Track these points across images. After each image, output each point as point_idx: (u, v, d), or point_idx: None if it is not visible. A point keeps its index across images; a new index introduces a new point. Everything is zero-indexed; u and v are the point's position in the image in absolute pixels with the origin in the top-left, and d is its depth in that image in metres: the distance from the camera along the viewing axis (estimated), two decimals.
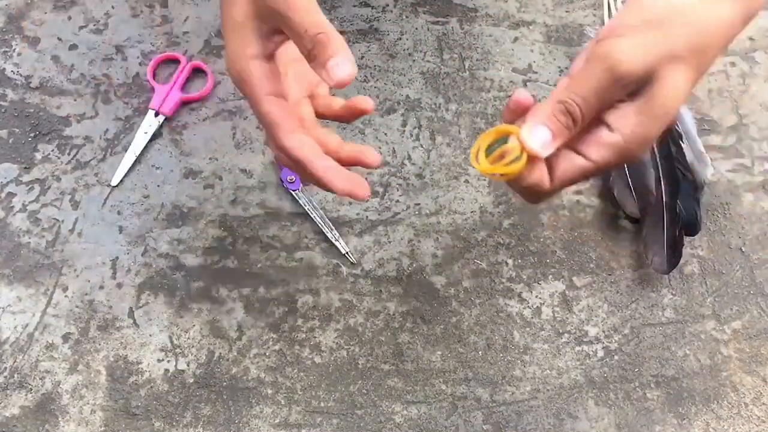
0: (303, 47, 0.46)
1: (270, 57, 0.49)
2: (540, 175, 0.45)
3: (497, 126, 0.45)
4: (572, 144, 0.45)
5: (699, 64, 0.43)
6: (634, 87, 0.42)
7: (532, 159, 0.44)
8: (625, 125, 0.43)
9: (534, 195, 0.47)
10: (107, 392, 0.60)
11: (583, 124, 0.44)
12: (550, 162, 0.45)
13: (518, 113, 0.46)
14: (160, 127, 0.69)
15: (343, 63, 0.45)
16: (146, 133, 0.68)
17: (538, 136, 0.44)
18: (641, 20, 0.42)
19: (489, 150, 0.45)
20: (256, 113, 0.49)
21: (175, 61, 0.71)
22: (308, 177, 0.48)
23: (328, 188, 0.47)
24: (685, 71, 0.42)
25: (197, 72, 0.71)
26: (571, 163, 0.45)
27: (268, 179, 0.67)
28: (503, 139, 0.45)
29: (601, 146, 0.44)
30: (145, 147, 0.68)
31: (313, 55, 0.46)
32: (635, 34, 0.42)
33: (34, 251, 0.64)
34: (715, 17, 0.42)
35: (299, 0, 0.45)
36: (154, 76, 0.71)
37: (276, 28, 0.48)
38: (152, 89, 0.70)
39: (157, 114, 0.69)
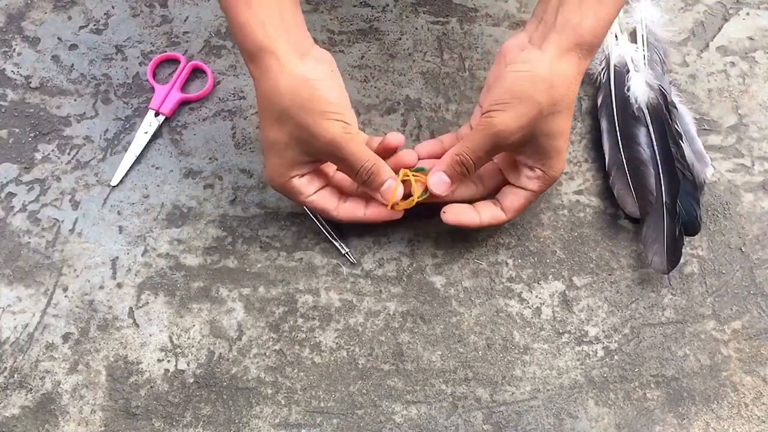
0: (358, 178, 0.58)
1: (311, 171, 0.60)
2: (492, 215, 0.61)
3: (403, 170, 0.60)
4: (514, 182, 0.61)
5: (564, 107, 0.56)
6: (518, 144, 0.57)
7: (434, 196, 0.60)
8: (539, 164, 0.59)
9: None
10: (107, 392, 0.60)
11: (475, 171, 0.59)
12: (500, 201, 0.61)
13: (386, 154, 0.61)
14: (160, 127, 0.69)
15: (392, 185, 0.59)
16: (146, 133, 0.68)
17: (436, 180, 0.59)
18: (511, 96, 0.55)
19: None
20: (305, 207, 0.63)
21: (175, 61, 0.71)
22: (362, 223, 0.62)
23: (376, 223, 0.62)
24: (556, 118, 0.56)
25: (197, 72, 0.71)
26: (517, 196, 0.60)
27: None
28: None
29: (533, 179, 0.59)
30: (145, 147, 0.68)
31: (368, 182, 0.59)
32: (507, 108, 0.55)
33: (34, 251, 0.64)
34: (563, 73, 0.56)
35: (354, 143, 0.57)
36: (154, 76, 0.71)
37: (322, 160, 0.59)
38: (152, 89, 0.70)
39: (157, 114, 0.69)
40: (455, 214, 0.61)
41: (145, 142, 0.68)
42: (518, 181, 0.60)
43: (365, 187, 0.60)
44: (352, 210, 0.61)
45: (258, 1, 0.55)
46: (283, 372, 0.61)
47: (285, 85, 0.55)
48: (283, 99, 0.55)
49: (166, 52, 0.72)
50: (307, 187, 0.59)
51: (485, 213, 0.61)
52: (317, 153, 0.57)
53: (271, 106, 0.56)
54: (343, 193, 0.63)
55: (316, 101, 0.55)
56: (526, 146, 0.57)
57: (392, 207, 0.60)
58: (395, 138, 0.61)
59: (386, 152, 0.61)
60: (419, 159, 0.63)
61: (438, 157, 0.62)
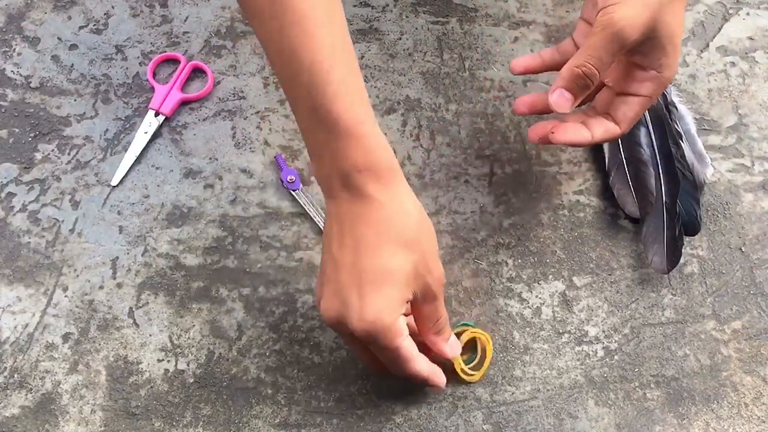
0: (436, 326, 0.55)
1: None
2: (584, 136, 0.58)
3: (464, 335, 0.60)
4: (624, 90, 0.57)
5: None
6: (640, 40, 0.52)
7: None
8: (655, 64, 0.55)
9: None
10: (107, 392, 0.60)
11: (599, 80, 0.54)
12: (611, 114, 0.58)
13: (531, 70, 0.62)
14: (160, 127, 0.69)
15: (456, 344, 0.57)
16: (146, 133, 0.68)
17: (557, 97, 0.55)
18: None
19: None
20: (389, 353, 0.52)
21: (175, 61, 0.71)
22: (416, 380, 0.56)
23: (429, 384, 0.56)
24: (674, 6, 0.52)
25: (197, 72, 0.71)
26: (630, 105, 0.57)
27: (268, 179, 0.67)
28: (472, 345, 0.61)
29: (647, 82, 0.56)
30: (145, 147, 0.68)
31: (441, 331, 0.56)
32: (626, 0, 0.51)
33: (34, 251, 0.64)
34: None
35: (442, 291, 0.54)
36: (154, 76, 0.71)
37: (417, 300, 0.53)
38: (152, 89, 0.70)
39: (157, 114, 0.69)
40: (565, 133, 0.57)
41: (145, 142, 0.68)
42: (630, 87, 0.56)
43: (437, 336, 0.56)
44: (426, 365, 0.55)
45: (373, 119, 0.51)
46: (283, 372, 0.61)
47: (413, 212, 0.52)
48: (413, 225, 0.52)
49: (166, 52, 0.72)
50: (404, 328, 0.52)
51: (597, 129, 0.58)
52: (422, 289, 0.52)
53: (399, 230, 0.51)
54: None
55: (433, 234, 0.53)
56: (644, 44, 0.53)
57: (458, 371, 0.59)
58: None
59: None
60: (516, 73, 0.63)
61: (534, 72, 0.63)
